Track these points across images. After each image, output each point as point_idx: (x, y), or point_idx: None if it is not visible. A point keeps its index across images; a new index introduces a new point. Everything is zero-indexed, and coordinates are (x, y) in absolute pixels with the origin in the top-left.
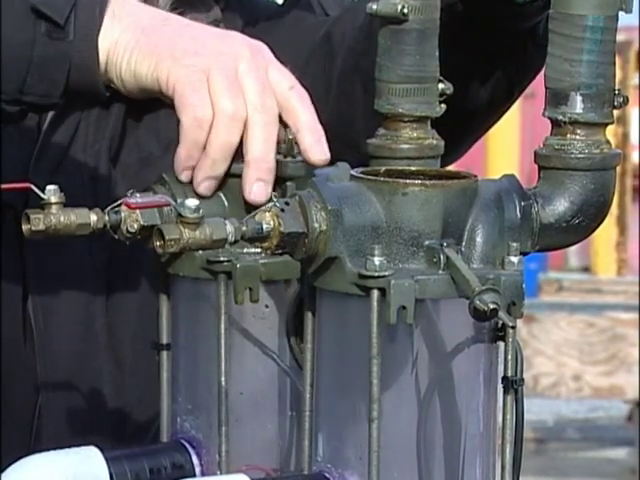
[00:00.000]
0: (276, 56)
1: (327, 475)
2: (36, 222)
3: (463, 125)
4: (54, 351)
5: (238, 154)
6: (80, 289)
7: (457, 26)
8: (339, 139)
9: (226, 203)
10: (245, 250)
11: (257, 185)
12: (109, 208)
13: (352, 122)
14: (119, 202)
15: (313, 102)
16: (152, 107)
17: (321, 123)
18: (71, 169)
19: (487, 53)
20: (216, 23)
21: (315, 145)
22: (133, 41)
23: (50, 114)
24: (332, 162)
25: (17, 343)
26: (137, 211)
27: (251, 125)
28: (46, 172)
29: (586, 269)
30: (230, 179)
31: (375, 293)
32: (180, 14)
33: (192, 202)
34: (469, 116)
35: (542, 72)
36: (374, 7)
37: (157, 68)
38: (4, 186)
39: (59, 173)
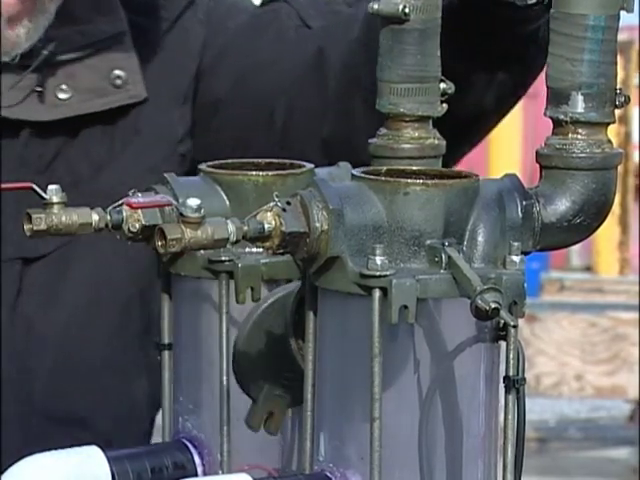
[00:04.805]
0: None
1: (329, 475)
2: (38, 222)
3: (470, 126)
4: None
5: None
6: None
7: (459, 29)
8: (340, 155)
9: (227, 202)
10: (247, 250)
11: None
12: (110, 208)
13: (353, 137)
14: (121, 202)
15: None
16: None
17: (320, 140)
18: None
19: (490, 56)
20: (121, 36)
21: None
22: None
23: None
24: None
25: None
26: (139, 211)
27: None
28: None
29: (588, 268)
30: (232, 177)
31: (377, 293)
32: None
33: (194, 202)
34: (476, 117)
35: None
36: (375, 7)
37: None
38: (4, 186)
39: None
